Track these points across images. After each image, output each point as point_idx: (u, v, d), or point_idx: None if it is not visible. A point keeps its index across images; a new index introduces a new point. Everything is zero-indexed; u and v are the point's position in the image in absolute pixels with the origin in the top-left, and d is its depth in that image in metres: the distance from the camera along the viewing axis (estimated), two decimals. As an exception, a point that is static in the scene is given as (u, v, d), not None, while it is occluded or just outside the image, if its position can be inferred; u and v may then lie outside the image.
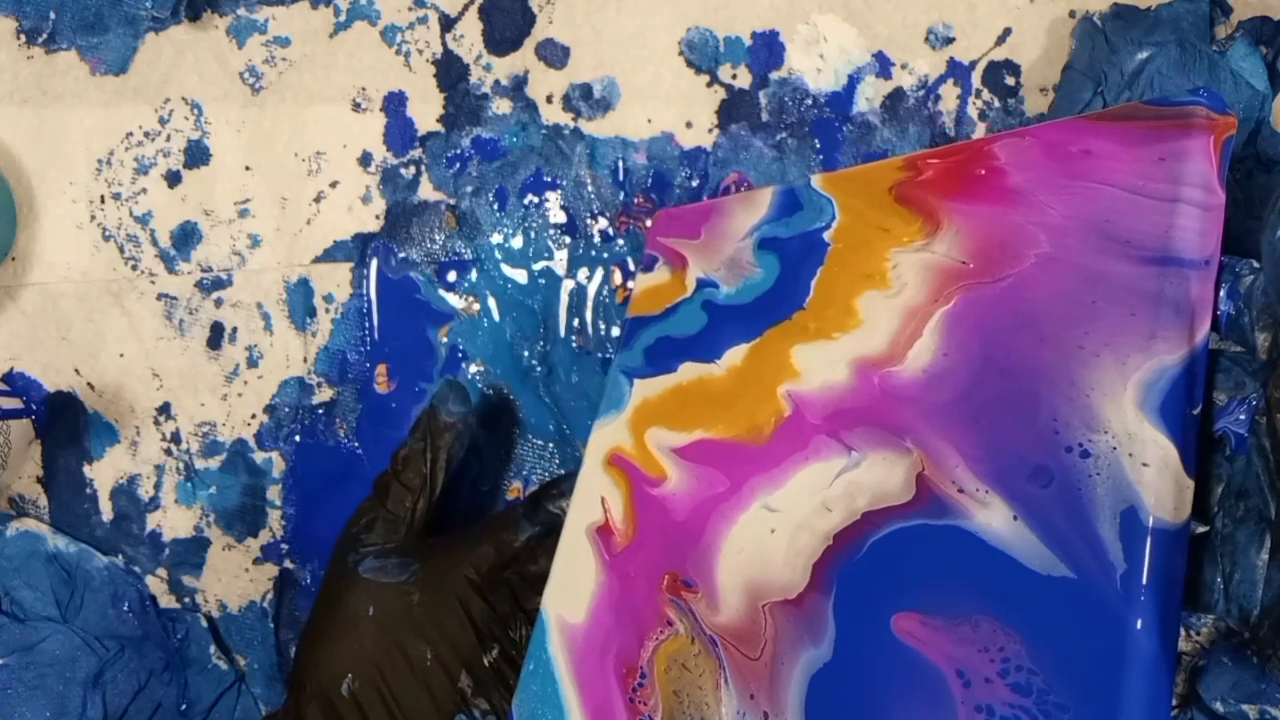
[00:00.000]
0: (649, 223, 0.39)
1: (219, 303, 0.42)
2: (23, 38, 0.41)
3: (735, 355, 0.35)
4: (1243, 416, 0.27)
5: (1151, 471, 0.26)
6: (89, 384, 0.42)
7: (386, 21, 0.40)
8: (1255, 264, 0.27)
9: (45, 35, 0.41)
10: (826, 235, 0.34)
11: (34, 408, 0.42)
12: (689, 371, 0.35)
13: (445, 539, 0.36)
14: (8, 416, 0.41)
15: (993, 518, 0.29)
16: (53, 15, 0.41)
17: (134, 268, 0.42)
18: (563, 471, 0.41)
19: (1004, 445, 0.29)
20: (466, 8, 0.40)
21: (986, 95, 0.39)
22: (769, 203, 0.36)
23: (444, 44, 0.40)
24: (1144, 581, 0.26)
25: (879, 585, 0.30)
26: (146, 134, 0.41)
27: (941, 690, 0.29)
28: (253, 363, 0.42)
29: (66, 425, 0.43)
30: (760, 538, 0.32)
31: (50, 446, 0.43)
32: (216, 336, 0.42)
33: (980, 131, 0.39)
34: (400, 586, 0.34)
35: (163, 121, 0.41)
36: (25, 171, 0.42)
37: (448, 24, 0.40)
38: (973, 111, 0.39)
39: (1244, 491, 0.27)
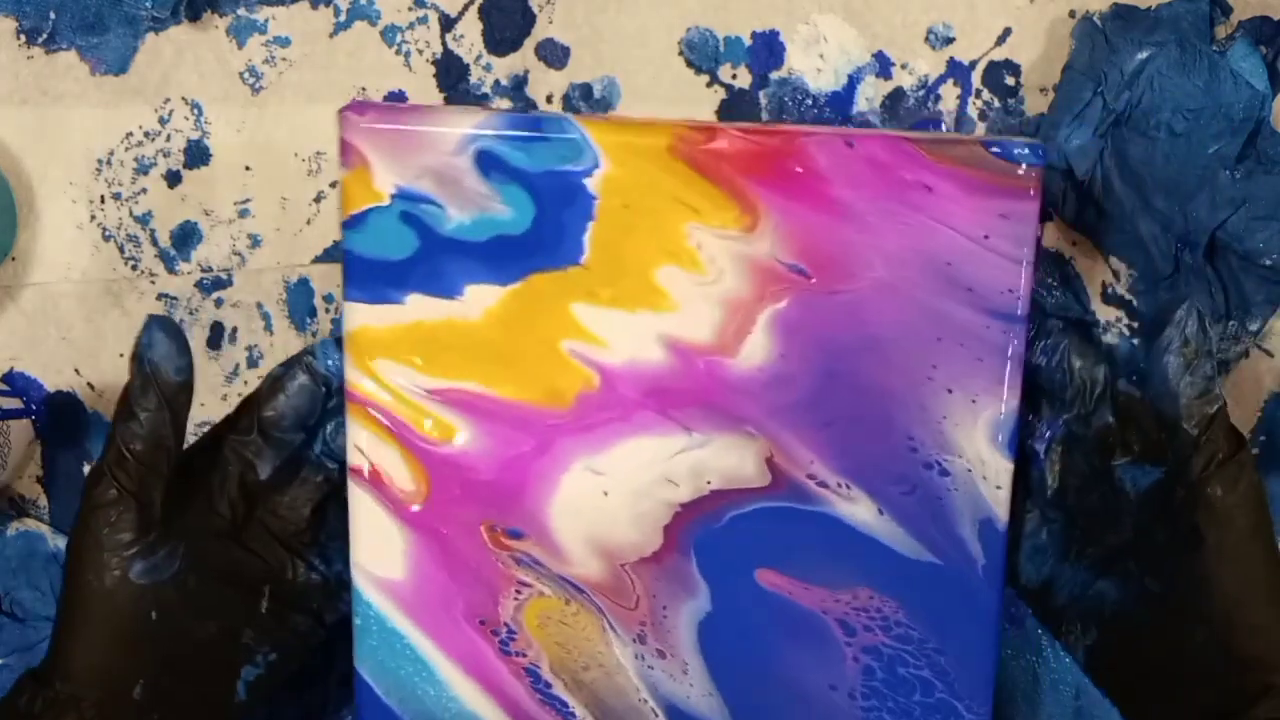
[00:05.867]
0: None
1: (219, 303, 0.42)
2: (23, 38, 0.41)
3: (485, 296, 0.31)
4: (1043, 443, 0.33)
5: (1003, 492, 0.31)
6: (89, 384, 0.42)
7: (386, 21, 0.40)
8: (1059, 323, 0.32)
9: (45, 35, 0.41)
10: (590, 184, 0.30)
11: (34, 408, 0.42)
12: (427, 308, 0.32)
13: (191, 496, 0.33)
14: (8, 416, 0.41)
15: (858, 511, 0.32)
16: (53, 15, 0.41)
17: (134, 268, 0.42)
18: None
19: (861, 452, 0.32)
20: (466, 8, 0.40)
21: (986, 95, 0.39)
22: (489, 113, 0.31)
23: (444, 44, 0.40)
24: (1000, 570, 0.32)
25: (744, 550, 0.33)
26: (146, 134, 0.41)
27: (826, 636, 0.33)
28: (253, 363, 0.42)
29: (66, 425, 0.43)
30: (594, 499, 0.33)
31: (50, 446, 0.43)
32: (216, 337, 0.42)
33: (981, 132, 0.39)
34: (176, 578, 0.32)
35: (163, 121, 0.41)
36: (25, 171, 0.42)
37: (448, 24, 0.40)
38: (973, 111, 0.39)
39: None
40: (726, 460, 0.32)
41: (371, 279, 0.32)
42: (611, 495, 0.32)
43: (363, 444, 0.33)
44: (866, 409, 0.31)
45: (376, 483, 0.33)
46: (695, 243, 0.31)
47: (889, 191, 0.30)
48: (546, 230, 0.31)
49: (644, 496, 0.32)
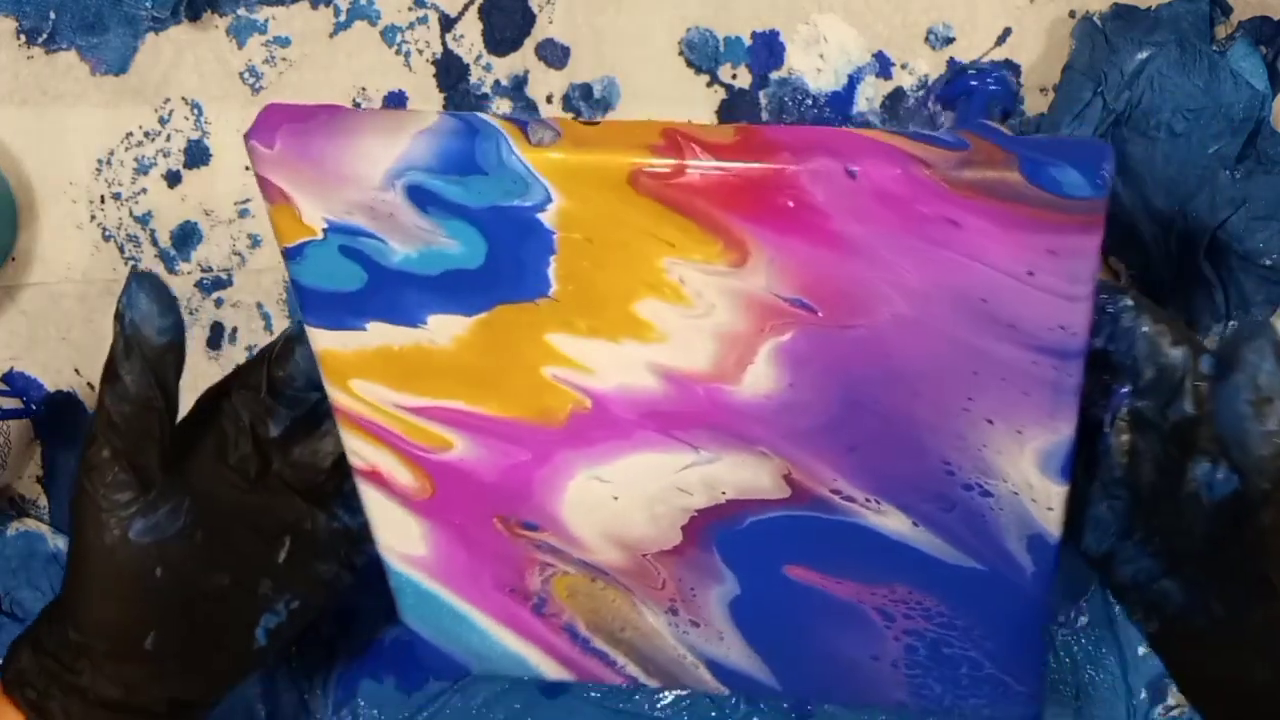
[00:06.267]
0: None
1: (219, 303, 0.42)
2: (23, 38, 0.41)
3: (452, 326, 0.29)
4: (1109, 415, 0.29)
5: (1055, 513, 0.28)
6: (89, 384, 0.42)
7: (386, 21, 0.40)
8: (1129, 302, 0.28)
9: (45, 35, 0.41)
10: (545, 219, 0.26)
11: (34, 408, 0.42)
12: (391, 334, 0.29)
13: (198, 451, 0.32)
14: (8, 416, 0.41)
15: (890, 521, 0.30)
16: (53, 15, 0.41)
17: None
18: None
19: (891, 474, 0.29)
20: (466, 8, 0.40)
21: (986, 95, 0.39)
22: (412, 136, 0.26)
23: (444, 44, 0.40)
24: (1052, 574, 0.30)
25: (769, 549, 0.31)
26: (146, 134, 0.41)
27: (865, 620, 0.32)
28: (253, 363, 0.42)
29: (66, 425, 0.43)
30: (605, 503, 0.31)
31: (50, 446, 0.43)
32: (216, 337, 0.42)
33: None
34: (182, 534, 0.31)
35: (163, 121, 0.41)
36: (25, 171, 0.42)
37: (448, 24, 0.40)
38: (973, 111, 0.39)
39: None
40: (740, 475, 0.30)
41: (325, 308, 0.29)
42: (621, 500, 0.31)
43: (357, 449, 0.32)
44: (894, 436, 0.28)
45: (379, 480, 0.32)
46: (677, 277, 0.27)
47: (905, 227, 0.25)
48: (504, 265, 0.27)
49: (656, 501, 0.31)
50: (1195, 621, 0.29)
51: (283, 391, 0.33)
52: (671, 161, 0.25)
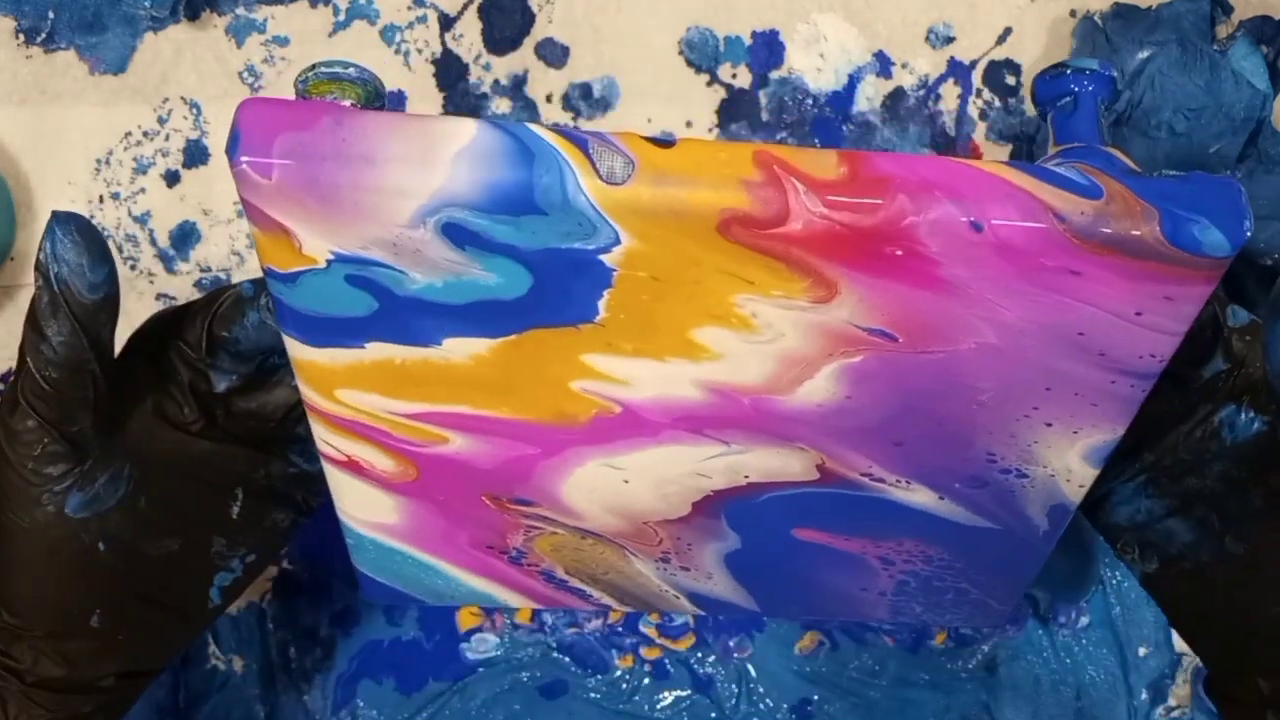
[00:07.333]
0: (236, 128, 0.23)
1: (218, 303, 0.42)
2: (21, 37, 0.41)
3: (473, 346, 0.26)
4: None
5: (1084, 490, 0.29)
6: (88, 384, 0.42)
7: (386, 21, 0.40)
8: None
9: (44, 35, 0.41)
10: (608, 259, 0.23)
11: (33, 408, 0.42)
12: (394, 351, 0.26)
13: (135, 408, 0.29)
14: (7, 417, 0.41)
15: (916, 497, 0.30)
16: (51, 14, 0.41)
17: (133, 268, 0.42)
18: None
19: (932, 463, 0.29)
20: (466, 7, 0.40)
21: (987, 95, 0.39)
22: (451, 161, 0.22)
23: (443, 43, 0.40)
24: (1060, 532, 0.30)
25: (781, 516, 0.31)
26: (145, 133, 0.41)
27: (865, 565, 0.32)
28: (252, 363, 0.42)
29: (66, 425, 0.43)
30: (614, 486, 0.29)
31: (49, 447, 0.43)
32: (216, 336, 0.42)
33: (981, 132, 0.39)
34: (123, 502, 0.28)
35: (161, 121, 0.41)
36: (24, 171, 0.42)
37: (447, 23, 0.40)
38: (973, 111, 0.39)
39: None
40: (770, 463, 0.29)
41: (316, 330, 0.25)
42: (633, 483, 0.29)
43: (334, 443, 0.28)
44: (944, 435, 0.28)
45: (355, 468, 0.29)
46: (749, 311, 0.24)
47: (1020, 275, 0.23)
48: (548, 297, 0.24)
49: (671, 484, 0.29)
50: (1202, 557, 0.30)
51: (225, 350, 0.29)
52: (773, 207, 0.22)
